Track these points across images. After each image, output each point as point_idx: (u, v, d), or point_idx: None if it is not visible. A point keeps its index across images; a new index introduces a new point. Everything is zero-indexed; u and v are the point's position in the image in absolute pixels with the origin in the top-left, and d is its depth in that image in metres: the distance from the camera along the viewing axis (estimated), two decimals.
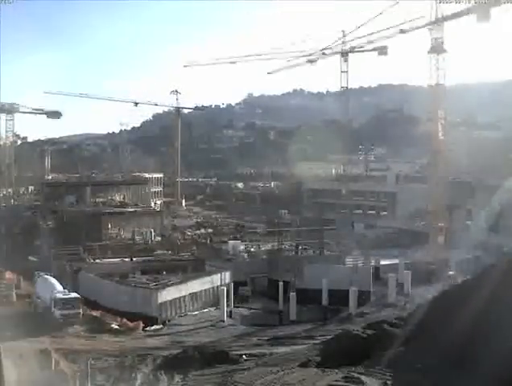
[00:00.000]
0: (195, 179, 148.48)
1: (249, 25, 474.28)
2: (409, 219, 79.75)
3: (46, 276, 42.86)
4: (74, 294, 39.15)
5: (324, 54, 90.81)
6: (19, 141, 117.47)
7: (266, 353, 31.19)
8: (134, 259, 54.10)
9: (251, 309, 50.09)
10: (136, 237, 66.75)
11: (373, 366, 18.25)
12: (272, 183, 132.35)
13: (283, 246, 61.48)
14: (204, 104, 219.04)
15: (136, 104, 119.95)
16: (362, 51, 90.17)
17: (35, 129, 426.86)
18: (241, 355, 29.90)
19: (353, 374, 17.41)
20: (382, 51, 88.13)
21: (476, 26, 61.18)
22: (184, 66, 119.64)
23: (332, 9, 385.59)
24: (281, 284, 48.59)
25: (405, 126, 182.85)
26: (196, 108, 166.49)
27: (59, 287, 39.90)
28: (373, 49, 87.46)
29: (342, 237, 67.25)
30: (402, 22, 69.69)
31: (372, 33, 79.23)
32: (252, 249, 62.72)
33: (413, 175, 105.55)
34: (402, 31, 70.52)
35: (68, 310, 37.56)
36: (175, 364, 27.82)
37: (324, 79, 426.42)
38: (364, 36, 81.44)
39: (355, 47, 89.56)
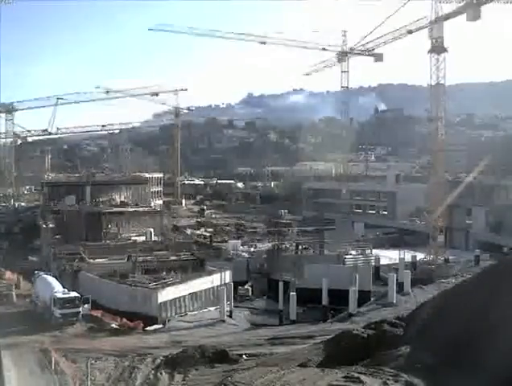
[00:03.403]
0: (195, 179, 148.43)
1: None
2: (409, 219, 79.86)
3: (46, 276, 42.79)
4: (74, 294, 39.11)
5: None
6: (19, 141, 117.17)
7: (266, 353, 31.17)
8: (134, 259, 54.01)
9: (251, 309, 50.10)
10: (136, 237, 66.69)
11: (373, 366, 18.22)
12: (272, 183, 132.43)
13: (283, 246, 61.45)
14: (204, 104, 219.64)
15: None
16: (360, 54, 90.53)
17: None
18: (241, 355, 29.89)
19: (352, 374, 17.36)
20: (379, 57, 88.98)
21: (469, 25, 61.86)
22: None
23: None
24: (281, 284, 48.50)
25: (405, 126, 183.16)
26: (196, 108, 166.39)
27: (58, 287, 39.85)
28: (370, 55, 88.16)
29: (342, 237, 67.22)
30: (407, 23, 70.55)
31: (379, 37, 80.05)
32: (252, 249, 62.74)
33: (413, 175, 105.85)
34: (409, 32, 71.61)
35: (68, 310, 37.57)
36: (175, 364, 27.78)
37: (324, 78, 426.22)
38: (378, 38, 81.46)
39: (354, 49, 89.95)
